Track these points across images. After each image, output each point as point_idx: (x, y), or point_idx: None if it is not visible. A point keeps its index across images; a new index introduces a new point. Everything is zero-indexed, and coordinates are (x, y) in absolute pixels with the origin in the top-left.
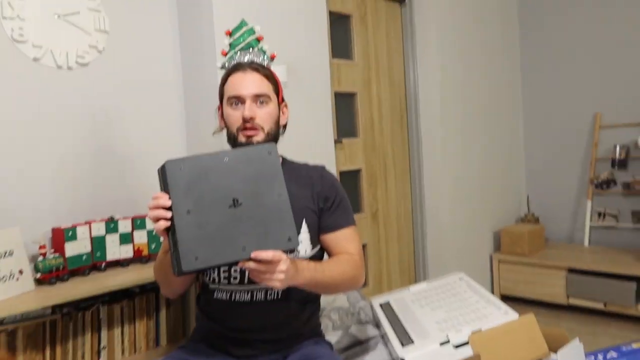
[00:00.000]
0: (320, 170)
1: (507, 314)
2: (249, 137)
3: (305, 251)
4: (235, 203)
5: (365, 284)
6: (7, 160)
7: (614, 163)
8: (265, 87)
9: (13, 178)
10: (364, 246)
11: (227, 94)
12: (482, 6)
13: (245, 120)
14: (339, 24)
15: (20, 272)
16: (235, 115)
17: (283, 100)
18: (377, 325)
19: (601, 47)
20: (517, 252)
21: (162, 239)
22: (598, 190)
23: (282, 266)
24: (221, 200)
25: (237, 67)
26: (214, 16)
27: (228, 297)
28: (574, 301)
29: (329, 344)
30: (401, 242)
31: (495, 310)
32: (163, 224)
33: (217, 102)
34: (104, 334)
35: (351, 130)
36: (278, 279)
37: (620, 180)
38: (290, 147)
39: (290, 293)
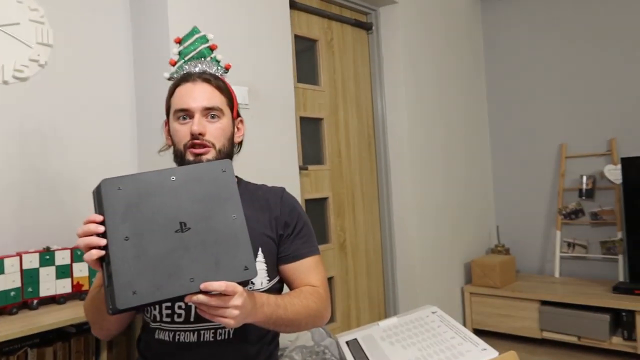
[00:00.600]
0: (280, 192)
1: (486, 351)
2: (197, 155)
3: (262, 283)
4: (182, 227)
5: (331, 320)
6: None
7: (581, 193)
8: (217, 99)
9: None
10: (330, 279)
11: (173, 107)
12: (449, 37)
13: (193, 137)
14: (304, 48)
15: None
16: (182, 131)
17: (239, 115)
18: None
19: (565, 78)
20: (489, 284)
21: (97, 272)
22: (566, 221)
23: (237, 300)
24: (166, 225)
25: (186, 78)
26: (169, 31)
27: (171, 338)
28: (547, 335)
29: None
30: (370, 275)
31: (473, 347)
32: (95, 253)
33: None
34: None
35: (317, 157)
36: (232, 316)
37: (588, 211)
38: (250, 172)
39: (244, 332)
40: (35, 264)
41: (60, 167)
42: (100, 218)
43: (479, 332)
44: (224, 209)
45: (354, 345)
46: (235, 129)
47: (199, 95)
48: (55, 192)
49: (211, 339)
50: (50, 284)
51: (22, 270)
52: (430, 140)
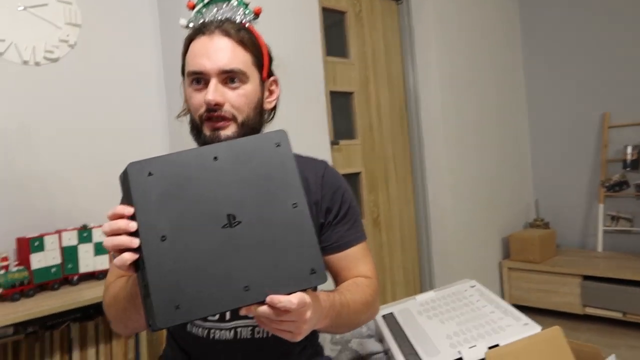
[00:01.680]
0: (322, 169)
1: (528, 326)
2: (215, 129)
3: None
4: (230, 221)
5: None
6: None
7: (625, 164)
8: (238, 59)
9: None
10: None
11: (187, 67)
12: (483, 6)
13: (209, 107)
14: (333, 21)
15: None
16: (197, 99)
17: (270, 74)
18: (380, 339)
19: (607, 44)
20: (528, 259)
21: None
22: (610, 193)
23: (306, 313)
24: (210, 219)
25: (202, 29)
26: None
27: (205, 335)
28: (590, 311)
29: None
30: (405, 250)
31: (514, 322)
32: (129, 257)
33: None
34: (75, 354)
35: (349, 132)
36: (299, 331)
37: (633, 182)
38: None
39: None
40: (74, 242)
41: (93, 148)
42: (130, 211)
43: (517, 308)
44: (281, 195)
45: (390, 319)
46: (266, 93)
47: (215, 54)
48: (90, 172)
49: (249, 337)
50: (89, 261)
51: (61, 248)
52: (464, 112)
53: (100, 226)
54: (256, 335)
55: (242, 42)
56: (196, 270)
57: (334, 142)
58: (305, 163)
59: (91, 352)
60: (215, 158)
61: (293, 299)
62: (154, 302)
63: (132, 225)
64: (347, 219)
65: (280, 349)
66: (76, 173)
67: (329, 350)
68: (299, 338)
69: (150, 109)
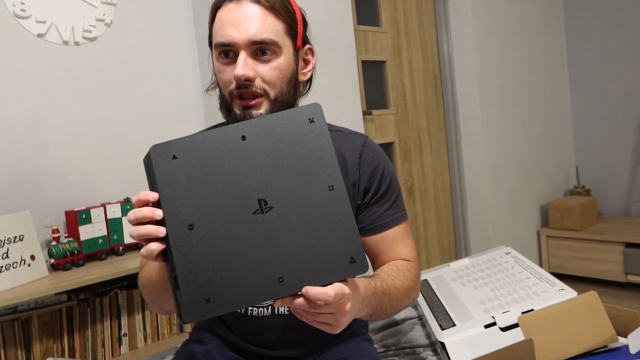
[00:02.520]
0: (360, 145)
1: (564, 292)
2: (246, 108)
3: None
4: (262, 207)
5: None
6: (16, 142)
7: None
8: (270, 28)
9: (23, 160)
10: None
11: (214, 38)
12: None
13: (238, 83)
14: None
15: (32, 257)
16: (226, 73)
17: (305, 42)
18: (415, 305)
19: None
20: (568, 227)
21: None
22: None
23: (346, 305)
24: (240, 204)
25: None
26: None
27: (243, 311)
28: (633, 278)
29: (364, 326)
30: (440, 219)
31: (549, 288)
32: (156, 248)
33: None
34: (124, 320)
35: (381, 102)
36: (339, 324)
37: None
38: None
39: None
40: (118, 214)
41: (131, 125)
42: (155, 197)
43: (556, 276)
44: (316, 177)
45: (424, 285)
46: (301, 63)
47: (244, 23)
48: (129, 147)
49: (287, 312)
50: None
51: (107, 220)
52: (501, 79)
53: None
54: None
55: (273, 9)
56: (226, 261)
57: (366, 113)
58: (342, 138)
59: (138, 317)
60: (244, 137)
61: (330, 291)
62: (184, 295)
63: (158, 213)
64: (387, 198)
65: None
66: (117, 149)
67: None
68: (338, 330)
69: (186, 84)
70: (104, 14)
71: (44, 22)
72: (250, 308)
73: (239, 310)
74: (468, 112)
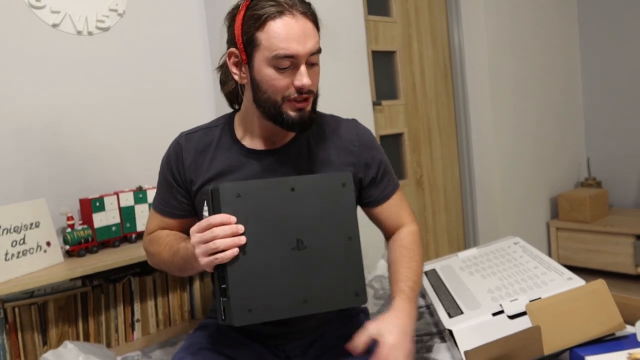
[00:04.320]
0: (354, 129)
1: (572, 281)
2: (300, 109)
3: None
4: (299, 245)
5: None
6: (31, 130)
7: None
8: (318, 41)
9: (36, 148)
10: None
11: (271, 48)
12: None
13: (302, 91)
14: None
15: (48, 244)
16: (283, 81)
17: None
18: (423, 295)
19: None
20: (578, 219)
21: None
22: None
23: (398, 353)
24: (283, 240)
25: (281, 9)
26: None
27: None
28: None
29: (364, 311)
30: (449, 210)
31: (557, 277)
32: (232, 254)
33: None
34: (137, 306)
35: (391, 92)
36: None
37: None
38: (323, 110)
39: None
40: (131, 202)
41: (143, 114)
42: (234, 219)
43: (566, 268)
44: (340, 228)
45: (432, 274)
46: None
47: (305, 38)
48: (141, 136)
49: None
50: (145, 220)
51: (120, 208)
52: (512, 69)
53: (153, 188)
54: None
55: (315, 23)
56: (267, 282)
57: (376, 103)
58: (338, 123)
59: (150, 303)
60: (293, 189)
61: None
62: (233, 304)
63: (241, 228)
64: (384, 175)
65: None
66: (129, 138)
67: (372, 304)
68: None
69: (197, 74)
70: (116, 4)
71: (59, 12)
72: None
73: None
74: (478, 103)
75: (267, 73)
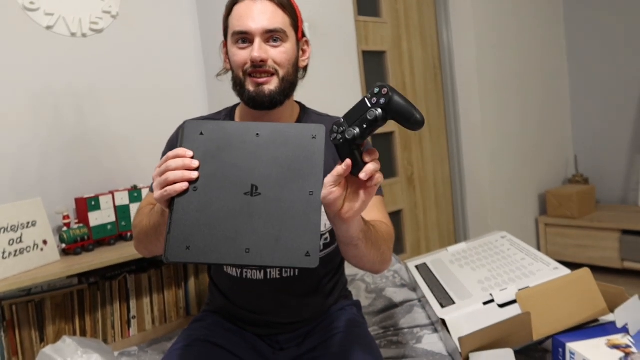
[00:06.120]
0: None
1: (558, 270)
2: (259, 84)
3: (325, 225)
4: (253, 191)
5: (401, 251)
6: (27, 131)
7: None
8: (279, 20)
9: (33, 148)
10: (399, 212)
11: (231, 28)
12: None
13: (254, 64)
14: None
15: (45, 242)
16: (241, 56)
17: (304, 35)
18: (414, 289)
19: None
20: (565, 215)
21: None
22: None
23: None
24: (237, 184)
25: None
26: None
27: (238, 275)
28: (629, 265)
29: (356, 305)
30: (440, 207)
31: (544, 267)
32: (180, 187)
33: None
34: (132, 303)
35: None
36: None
37: None
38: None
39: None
40: (126, 201)
41: (137, 113)
42: (191, 154)
43: None
44: (302, 181)
45: (423, 268)
46: (300, 52)
47: (259, 16)
48: (135, 135)
49: (278, 277)
50: None
51: (115, 207)
52: (501, 68)
53: (148, 187)
54: (284, 275)
55: (281, 5)
56: (212, 223)
57: None
58: (324, 120)
59: (146, 300)
60: (258, 134)
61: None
62: (172, 238)
63: (195, 163)
64: None
65: (308, 287)
66: (123, 137)
67: (364, 298)
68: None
69: (189, 73)
70: (110, 6)
71: (52, 14)
72: (245, 271)
73: (234, 274)
74: (467, 101)
75: (231, 52)
